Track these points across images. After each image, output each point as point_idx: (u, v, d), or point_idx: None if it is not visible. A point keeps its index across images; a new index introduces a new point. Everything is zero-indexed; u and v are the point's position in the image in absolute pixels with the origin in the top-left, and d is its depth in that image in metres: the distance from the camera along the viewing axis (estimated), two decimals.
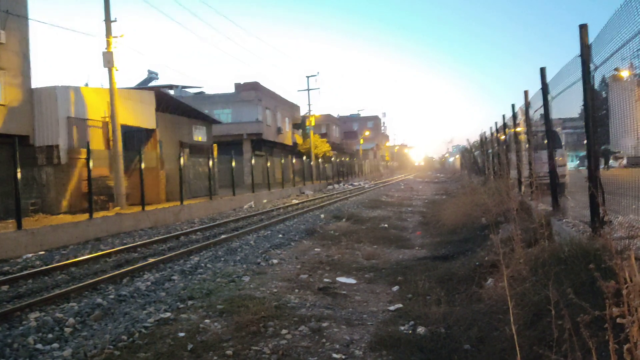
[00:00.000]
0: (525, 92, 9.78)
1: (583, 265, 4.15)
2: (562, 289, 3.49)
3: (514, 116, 11.91)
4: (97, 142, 20.49)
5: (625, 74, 4.95)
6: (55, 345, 5.66)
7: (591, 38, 5.49)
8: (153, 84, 42.04)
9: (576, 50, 5.69)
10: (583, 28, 5.56)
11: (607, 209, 4.98)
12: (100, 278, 8.76)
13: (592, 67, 5.49)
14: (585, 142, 5.72)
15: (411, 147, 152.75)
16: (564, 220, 6.68)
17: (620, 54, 4.74)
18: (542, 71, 7.82)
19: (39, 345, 5.63)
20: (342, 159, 59.19)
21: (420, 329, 5.39)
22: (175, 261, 10.45)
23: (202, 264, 9.92)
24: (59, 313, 6.75)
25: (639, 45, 4.32)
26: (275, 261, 9.92)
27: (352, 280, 8.31)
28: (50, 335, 5.93)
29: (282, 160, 35.22)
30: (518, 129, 11.42)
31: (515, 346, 2.47)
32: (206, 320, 6.01)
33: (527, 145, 9.80)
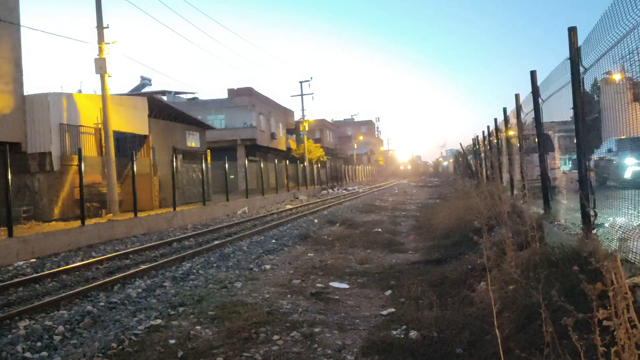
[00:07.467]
0: (517, 96, 9.80)
1: (574, 268, 4.14)
2: (552, 292, 3.47)
3: (506, 120, 11.94)
4: (89, 148, 20.38)
5: (616, 76, 4.96)
6: (44, 353, 5.60)
7: (580, 41, 5.51)
8: (146, 90, 41.86)
9: (565, 55, 5.71)
10: (572, 31, 5.58)
11: (598, 211, 4.98)
12: (91, 285, 8.69)
13: (581, 69, 5.50)
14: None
15: (393, 150, 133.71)
16: (555, 223, 6.68)
17: (610, 56, 4.75)
18: (533, 74, 7.83)
19: (27, 354, 5.57)
20: (336, 163, 59.19)
21: (413, 333, 5.36)
22: (167, 268, 10.37)
23: (194, 270, 9.86)
24: (48, 321, 6.68)
25: (628, 47, 4.33)
26: (268, 267, 9.87)
27: (345, 285, 8.27)
28: (39, 344, 5.87)
29: (276, 166, 35.18)
30: (510, 133, 11.45)
31: (500, 351, 2.45)
32: (197, 327, 5.96)
33: (519, 149, 9.81)
